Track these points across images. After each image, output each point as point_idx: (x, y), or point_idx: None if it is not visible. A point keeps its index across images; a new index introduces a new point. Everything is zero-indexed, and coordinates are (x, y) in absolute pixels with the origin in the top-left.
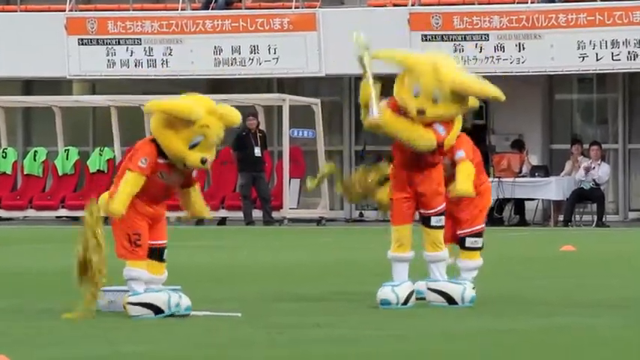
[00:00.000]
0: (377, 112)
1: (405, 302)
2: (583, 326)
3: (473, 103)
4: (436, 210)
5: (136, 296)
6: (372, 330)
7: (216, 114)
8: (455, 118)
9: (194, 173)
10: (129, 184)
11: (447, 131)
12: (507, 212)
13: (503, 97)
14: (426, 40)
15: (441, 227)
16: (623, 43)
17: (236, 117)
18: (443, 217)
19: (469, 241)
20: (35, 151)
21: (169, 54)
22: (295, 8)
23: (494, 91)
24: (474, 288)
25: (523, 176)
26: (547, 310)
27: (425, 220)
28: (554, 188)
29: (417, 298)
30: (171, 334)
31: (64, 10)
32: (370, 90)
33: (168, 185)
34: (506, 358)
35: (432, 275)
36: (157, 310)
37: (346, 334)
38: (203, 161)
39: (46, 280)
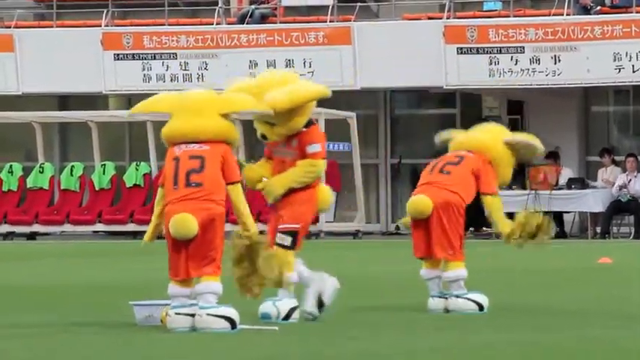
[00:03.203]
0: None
1: (286, 317)
2: (615, 338)
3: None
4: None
5: (215, 309)
6: (407, 345)
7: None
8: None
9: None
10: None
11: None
12: None
13: (328, 93)
14: (461, 53)
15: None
16: None
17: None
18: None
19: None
20: (72, 166)
21: (205, 68)
22: (330, 22)
23: (318, 91)
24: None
25: (560, 188)
26: (580, 322)
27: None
28: (591, 200)
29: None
30: (207, 349)
31: (100, 26)
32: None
33: None
34: None
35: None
36: (233, 324)
37: (381, 348)
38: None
39: (83, 294)
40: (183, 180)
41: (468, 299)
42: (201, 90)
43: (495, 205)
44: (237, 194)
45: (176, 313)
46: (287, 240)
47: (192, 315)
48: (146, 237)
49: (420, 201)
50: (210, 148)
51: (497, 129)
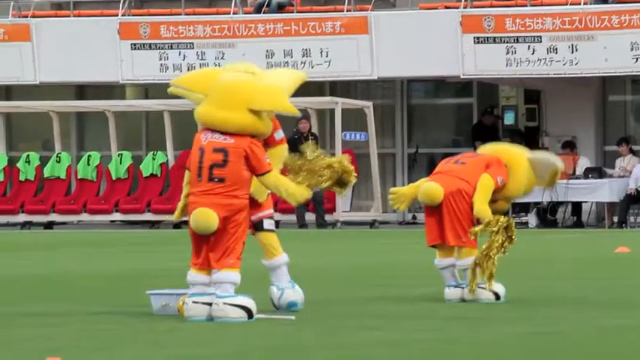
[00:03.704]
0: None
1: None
2: (632, 328)
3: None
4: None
5: (232, 298)
6: (424, 333)
7: None
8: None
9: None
10: (281, 180)
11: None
12: (561, 214)
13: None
14: (478, 42)
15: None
16: None
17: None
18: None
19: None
20: (89, 156)
21: (222, 58)
22: (347, 11)
23: None
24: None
25: (577, 178)
26: (597, 313)
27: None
28: (608, 190)
29: None
30: (223, 338)
31: (117, 15)
32: None
33: None
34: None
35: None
36: (250, 314)
37: (398, 338)
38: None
39: (100, 283)
40: (206, 174)
41: (485, 289)
42: (239, 75)
43: (485, 184)
44: (272, 181)
45: (194, 302)
46: (273, 224)
47: (210, 304)
48: (175, 216)
49: (430, 187)
50: (235, 141)
51: (523, 148)
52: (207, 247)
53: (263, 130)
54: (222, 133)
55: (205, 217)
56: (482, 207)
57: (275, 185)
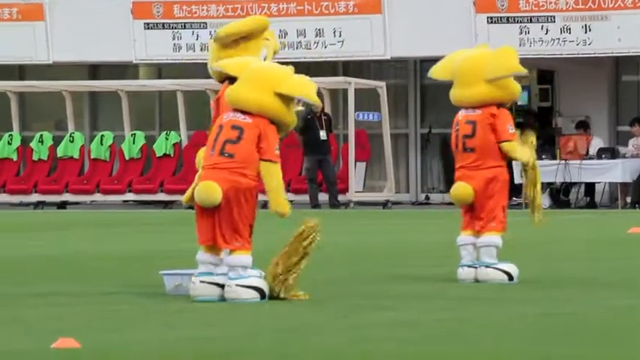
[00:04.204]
0: None
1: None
2: None
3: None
4: None
5: (243, 279)
6: (437, 313)
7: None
8: None
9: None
10: (278, 177)
11: None
12: (574, 195)
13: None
14: (492, 22)
15: None
16: None
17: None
18: None
19: None
20: (102, 136)
21: None
22: None
23: None
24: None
25: (590, 158)
26: (610, 293)
27: None
28: (621, 170)
29: None
30: (234, 319)
31: None
32: None
33: None
34: (564, 340)
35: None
36: (263, 294)
37: (411, 318)
38: None
39: (113, 263)
40: (219, 147)
41: (498, 269)
42: (271, 63)
43: (513, 147)
44: (268, 172)
45: (201, 282)
46: None
47: (217, 284)
48: (184, 198)
49: (460, 190)
50: (253, 121)
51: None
52: (212, 223)
53: (284, 116)
54: (244, 113)
55: (208, 190)
56: (526, 157)
57: (265, 176)
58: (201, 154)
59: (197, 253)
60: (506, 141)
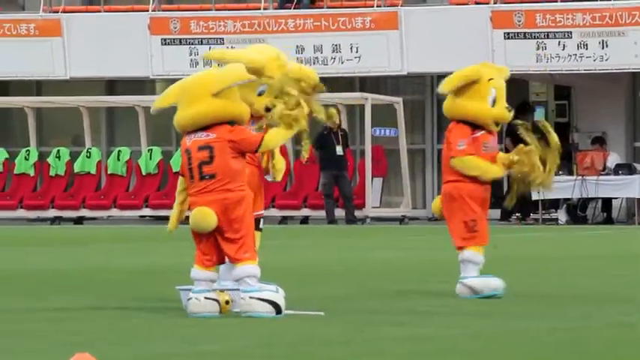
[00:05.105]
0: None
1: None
2: None
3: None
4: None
5: (258, 292)
6: (451, 330)
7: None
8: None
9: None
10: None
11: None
12: (591, 210)
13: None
14: (508, 38)
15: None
16: None
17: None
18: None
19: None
20: (119, 151)
21: None
22: (377, 7)
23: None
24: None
25: (607, 174)
26: (626, 309)
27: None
28: (638, 186)
29: None
30: (249, 333)
31: (148, 10)
32: None
33: None
34: (577, 355)
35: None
36: (279, 310)
37: (425, 333)
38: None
39: (129, 278)
40: (197, 173)
41: (464, 285)
42: (199, 72)
43: (463, 164)
44: (272, 141)
45: (205, 298)
46: (261, 223)
47: (217, 300)
48: (170, 225)
49: (434, 204)
50: (217, 135)
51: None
52: (215, 245)
53: (236, 111)
54: (204, 129)
55: (203, 216)
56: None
57: (276, 140)
58: (182, 184)
59: (191, 270)
60: (453, 157)
